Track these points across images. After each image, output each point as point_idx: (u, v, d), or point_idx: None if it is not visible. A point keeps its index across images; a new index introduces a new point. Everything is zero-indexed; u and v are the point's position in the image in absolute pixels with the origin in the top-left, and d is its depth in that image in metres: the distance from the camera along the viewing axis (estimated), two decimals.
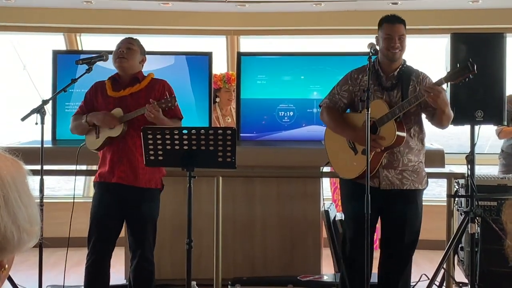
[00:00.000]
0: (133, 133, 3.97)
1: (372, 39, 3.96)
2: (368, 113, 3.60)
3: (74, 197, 4.28)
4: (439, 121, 3.92)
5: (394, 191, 3.91)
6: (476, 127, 4.50)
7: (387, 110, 3.81)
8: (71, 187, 4.39)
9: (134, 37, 4.23)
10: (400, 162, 3.90)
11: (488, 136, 4.54)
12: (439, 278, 4.53)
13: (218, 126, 5.69)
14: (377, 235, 4.61)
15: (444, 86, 3.87)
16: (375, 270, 4.06)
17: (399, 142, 3.83)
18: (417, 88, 3.91)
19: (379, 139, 3.77)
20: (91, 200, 4.16)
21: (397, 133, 3.79)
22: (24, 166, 1.29)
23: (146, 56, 4.18)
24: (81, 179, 6.75)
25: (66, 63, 5.25)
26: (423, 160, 4.02)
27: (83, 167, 5.29)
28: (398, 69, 3.95)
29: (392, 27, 3.88)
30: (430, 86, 3.75)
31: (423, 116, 4.01)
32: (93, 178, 4.22)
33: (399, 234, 3.96)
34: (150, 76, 4.14)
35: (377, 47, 3.88)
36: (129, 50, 4.06)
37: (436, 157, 4.78)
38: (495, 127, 5.80)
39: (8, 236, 1.21)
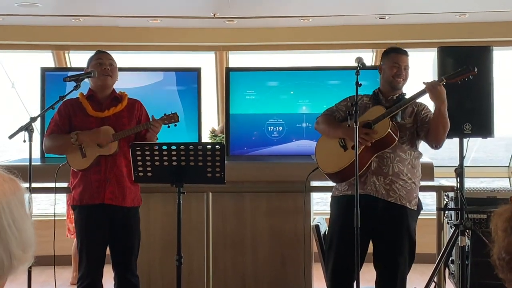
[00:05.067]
0: (120, 152, 3.95)
1: (359, 53, 3.99)
2: (356, 128, 3.60)
3: (55, 215, 4.23)
4: (436, 131, 3.86)
5: (380, 201, 3.89)
6: (465, 140, 4.52)
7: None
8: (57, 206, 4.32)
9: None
10: (390, 169, 3.90)
11: (470, 148, 4.55)
12: None
13: None
14: None
15: None
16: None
17: (390, 140, 3.84)
18: (414, 109, 3.98)
19: (372, 133, 3.82)
20: None
21: (390, 129, 3.83)
22: (22, 186, 1.28)
23: (134, 72, 4.17)
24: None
25: (54, 80, 5.25)
26: (416, 182, 3.98)
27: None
28: (397, 95, 4.01)
29: (400, 56, 4.03)
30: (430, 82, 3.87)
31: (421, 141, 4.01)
32: None
33: (389, 257, 3.94)
34: (126, 95, 4.10)
35: (380, 75, 4.03)
36: (112, 67, 4.03)
37: (425, 170, 4.78)
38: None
39: None
